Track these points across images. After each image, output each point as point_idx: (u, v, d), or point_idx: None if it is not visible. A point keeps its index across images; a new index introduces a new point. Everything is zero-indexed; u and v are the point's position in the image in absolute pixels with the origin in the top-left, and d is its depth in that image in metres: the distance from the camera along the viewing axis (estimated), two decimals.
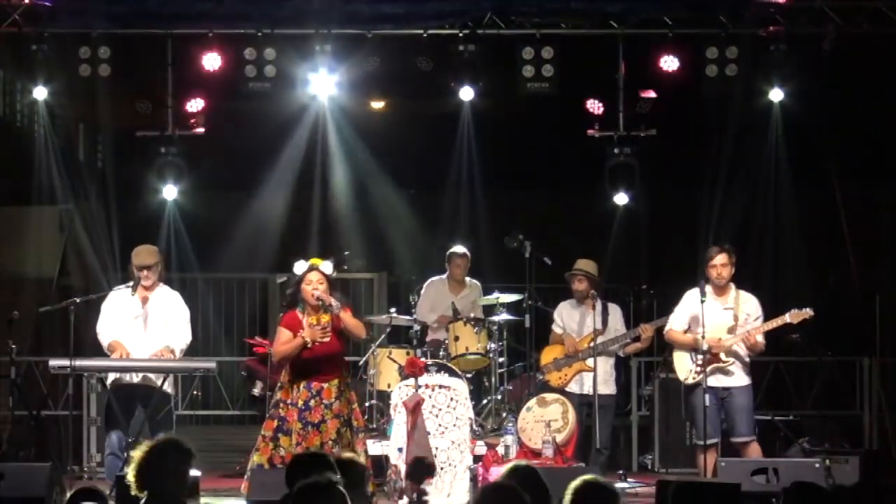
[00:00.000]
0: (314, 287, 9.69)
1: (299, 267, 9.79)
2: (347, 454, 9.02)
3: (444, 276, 12.93)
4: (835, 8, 12.33)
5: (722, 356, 10.57)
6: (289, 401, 9.71)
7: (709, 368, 10.51)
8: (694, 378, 10.62)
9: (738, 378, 10.65)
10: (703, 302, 10.54)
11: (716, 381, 10.59)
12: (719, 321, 10.64)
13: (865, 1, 12.36)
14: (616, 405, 12.05)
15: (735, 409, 10.59)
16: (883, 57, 12.49)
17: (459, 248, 12.92)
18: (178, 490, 5.88)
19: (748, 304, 10.69)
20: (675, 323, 10.87)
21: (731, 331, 10.63)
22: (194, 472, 9.40)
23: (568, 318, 11.81)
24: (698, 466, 10.65)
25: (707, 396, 10.49)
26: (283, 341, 9.77)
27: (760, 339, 10.63)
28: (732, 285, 10.74)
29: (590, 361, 11.48)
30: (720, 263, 10.66)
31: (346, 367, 10.21)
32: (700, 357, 10.49)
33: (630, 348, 11.91)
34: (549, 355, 11.85)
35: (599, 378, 11.49)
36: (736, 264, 10.73)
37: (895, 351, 13.89)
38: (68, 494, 6.64)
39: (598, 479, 5.79)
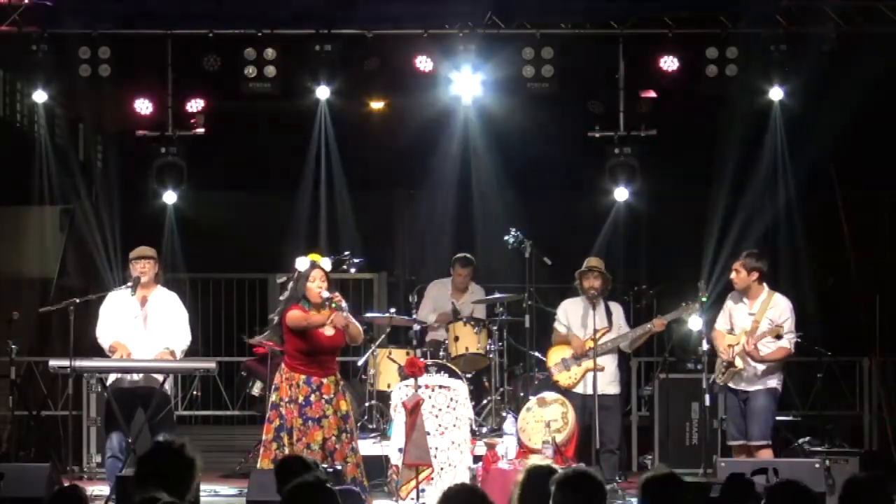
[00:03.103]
0: (318, 285, 9.67)
1: (302, 263, 9.77)
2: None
3: (448, 280, 12.94)
4: (835, 8, 12.33)
5: (737, 361, 10.63)
6: (286, 398, 9.61)
7: (728, 371, 10.69)
8: (719, 379, 10.76)
9: (757, 382, 10.68)
10: (704, 302, 10.79)
11: (736, 384, 10.72)
12: (742, 324, 10.74)
13: (865, 1, 12.36)
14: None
15: (749, 412, 10.67)
16: (882, 57, 12.48)
17: (464, 257, 12.90)
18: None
19: (774, 310, 10.67)
20: (718, 323, 10.95)
21: (749, 336, 10.65)
22: None
23: (573, 316, 11.68)
24: None
25: (707, 397, 10.75)
26: (302, 316, 9.59)
27: (765, 350, 10.60)
28: (765, 289, 10.74)
29: (598, 360, 11.43)
30: (734, 269, 10.80)
31: (337, 366, 10.18)
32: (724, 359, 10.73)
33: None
34: (556, 355, 11.66)
35: (606, 378, 11.43)
36: (761, 268, 10.70)
37: (895, 351, 13.89)
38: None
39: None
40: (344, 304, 9.66)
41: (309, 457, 7.69)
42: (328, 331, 9.64)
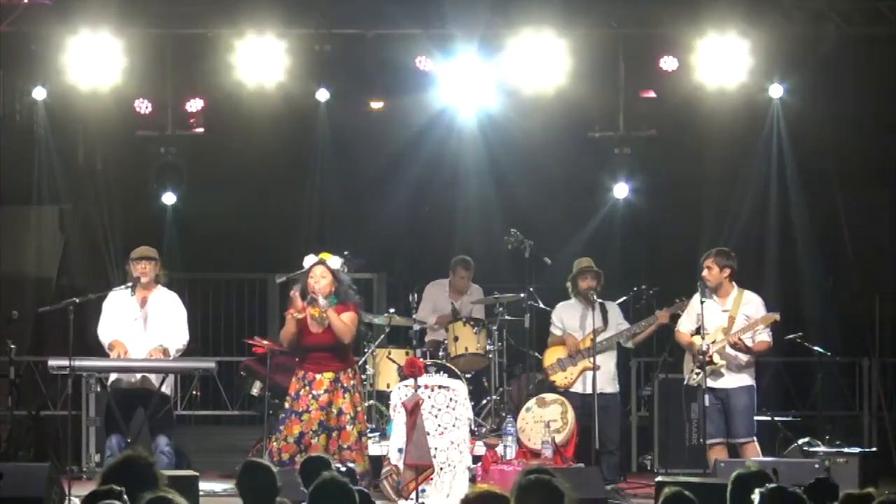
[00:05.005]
0: (316, 281, 10.03)
1: (308, 260, 10.12)
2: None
3: (447, 281, 12.94)
4: (835, 8, 12.33)
5: (716, 358, 10.60)
6: (292, 393, 10.19)
7: (707, 370, 10.57)
8: (693, 380, 10.68)
9: (736, 380, 10.67)
10: (702, 302, 10.64)
11: (714, 382, 10.65)
12: (716, 322, 10.70)
13: (865, 1, 12.36)
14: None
15: (732, 410, 10.65)
16: (882, 57, 12.48)
17: (464, 259, 12.91)
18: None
19: (748, 306, 10.71)
20: (682, 324, 10.93)
21: (726, 333, 10.65)
22: (192, 473, 9.50)
23: (569, 318, 11.73)
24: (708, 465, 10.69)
25: (707, 397, 10.59)
26: (287, 325, 10.21)
27: (750, 341, 10.61)
28: (735, 287, 10.75)
29: (595, 359, 11.42)
30: (706, 266, 10.74)
31: (350, 365, 10.29)
32: (700, 358, 10.58)
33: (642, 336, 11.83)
34: (551, 356, 11.76)
35: (605, 377, 11.46)
36: (732, 266, 10.72)
37: (895, 351, 13.88)
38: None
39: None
40: (321, 301, 9.93)
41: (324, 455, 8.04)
42: (312, 327, 10.10)
